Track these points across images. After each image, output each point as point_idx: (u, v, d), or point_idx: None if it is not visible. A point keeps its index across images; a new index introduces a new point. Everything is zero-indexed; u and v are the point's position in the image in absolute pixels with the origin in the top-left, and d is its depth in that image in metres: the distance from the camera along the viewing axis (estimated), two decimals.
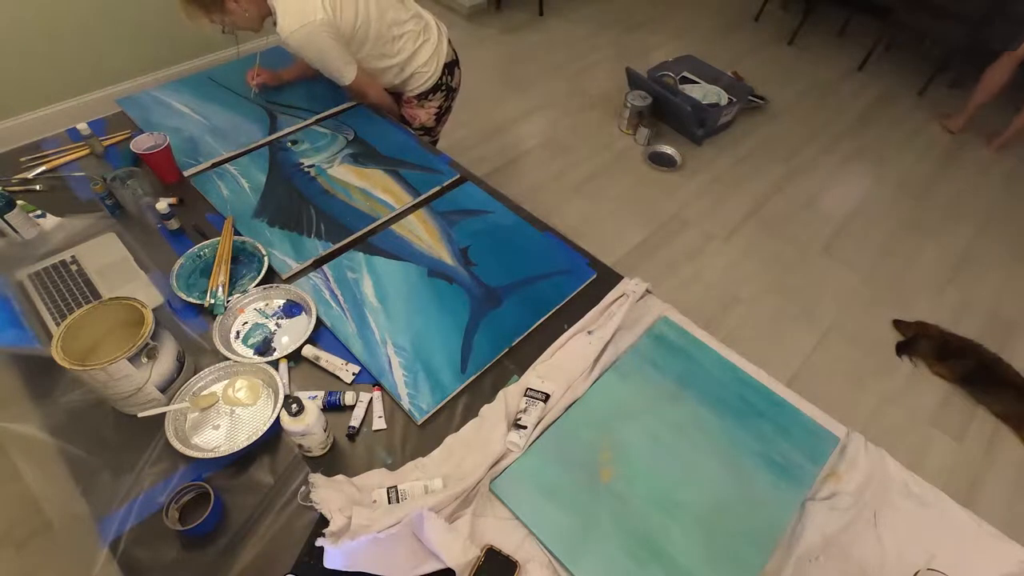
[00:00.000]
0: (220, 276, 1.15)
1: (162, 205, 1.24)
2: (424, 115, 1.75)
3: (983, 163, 2.88)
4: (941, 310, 2.19)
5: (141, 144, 1.32)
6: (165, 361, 0.94)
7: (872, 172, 2.80)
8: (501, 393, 1.01)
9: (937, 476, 1.72)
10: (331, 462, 0.93)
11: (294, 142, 1.53)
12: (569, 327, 1.12)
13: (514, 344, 1.10)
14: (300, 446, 0.91)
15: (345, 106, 1.66)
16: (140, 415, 0.92)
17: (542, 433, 0.97)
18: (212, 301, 1.11)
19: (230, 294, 1.14)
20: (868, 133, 3.02)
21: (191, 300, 1.12)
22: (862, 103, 3.22)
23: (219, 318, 1.08)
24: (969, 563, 0.84)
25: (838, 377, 1.96)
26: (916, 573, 0.81)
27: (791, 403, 1.03)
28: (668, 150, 2.82)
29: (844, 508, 0.89)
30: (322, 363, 1.04)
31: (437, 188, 1.42)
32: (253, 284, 1.15)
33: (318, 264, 1.23)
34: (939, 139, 3.01)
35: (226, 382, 1.01)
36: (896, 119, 3.12)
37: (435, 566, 0.81)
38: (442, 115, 1.81)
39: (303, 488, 0.89)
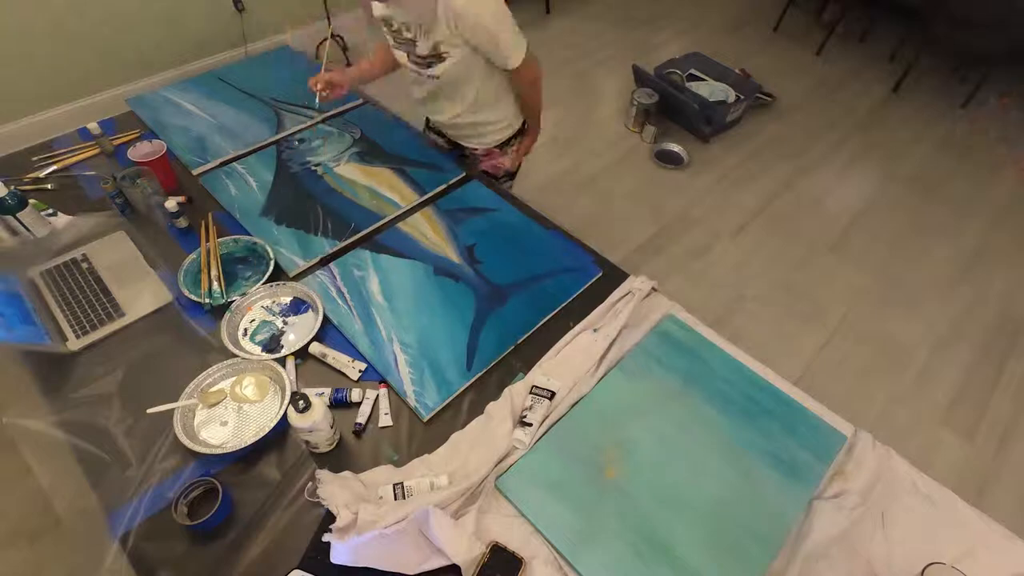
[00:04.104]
0: (212, 270, 1.17)
1: (171, 204, 1.25)
2: (509, 162, 1.58)
3: (994, 161, 2.85)
4: (951, 309, 2.17)
5: (139, 152, 1.34)
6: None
7: (881, 170, 2.78)
8: (507, 390, 1.01)
9: (947, 476, 1.70)
10: (338, 458, 0.94)
11: (301, 141, 1.54)
12: (575, 325, 1.12)
13: (520, 342, 1.10)
14: (307, 442, 0.92)
15: (351, 105, 1.67)
16: (149, 411, 0.93)
17: (548, 430, 0.97)
18: (208, 301, 1.12)
19: (237, 293, 1.15)
20: (877, 130, 2.99)
21: (195, 299, 1.13)
22: (870, 100, 3.19)
23: (227, 315, 1.09)
24: (978, 563, 0.83)
25: (846, 376, 1.95)
26: (925, 568, 0.80)
27: (798, 402, 1.02)
28: (675, 148, 2.81)
29: (851, 507, 0.88)
30: (329, 360, 1.05)
31: (443, 186, 1.43)
32: (258, 284, 1.16)
33: (325, 262, 1.24)
34: (949, 136, 2.98)
35: (234, 379, 1.02)
36: (905, 116, 3.09)
37: (441, 562, 0.81)
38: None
39: (310, 484, 0.89)
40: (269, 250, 1.22)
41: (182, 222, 1.28)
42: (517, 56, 1.26)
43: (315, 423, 0.86)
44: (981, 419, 1.86)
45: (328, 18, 3.04)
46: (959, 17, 2.90)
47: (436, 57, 1.25)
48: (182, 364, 1.03)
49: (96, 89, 2.64)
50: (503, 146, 1.54)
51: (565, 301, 1.18)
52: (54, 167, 1.43)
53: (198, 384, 0.99)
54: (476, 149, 1.54)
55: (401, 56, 1.33)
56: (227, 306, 1.11)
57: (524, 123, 1.56)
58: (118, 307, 1.12)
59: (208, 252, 1.21)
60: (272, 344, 1.08)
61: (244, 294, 1.13)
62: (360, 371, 1.04)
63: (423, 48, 1.25)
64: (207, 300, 1.12)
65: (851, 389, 1.92)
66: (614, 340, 1.09)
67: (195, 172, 1.43)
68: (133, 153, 1.34)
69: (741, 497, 0.90)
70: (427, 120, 1.65)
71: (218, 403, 0.99)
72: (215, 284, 1.14)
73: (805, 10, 3.86)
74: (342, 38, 3.10)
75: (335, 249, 1.26)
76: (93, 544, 1.37)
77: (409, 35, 1.26)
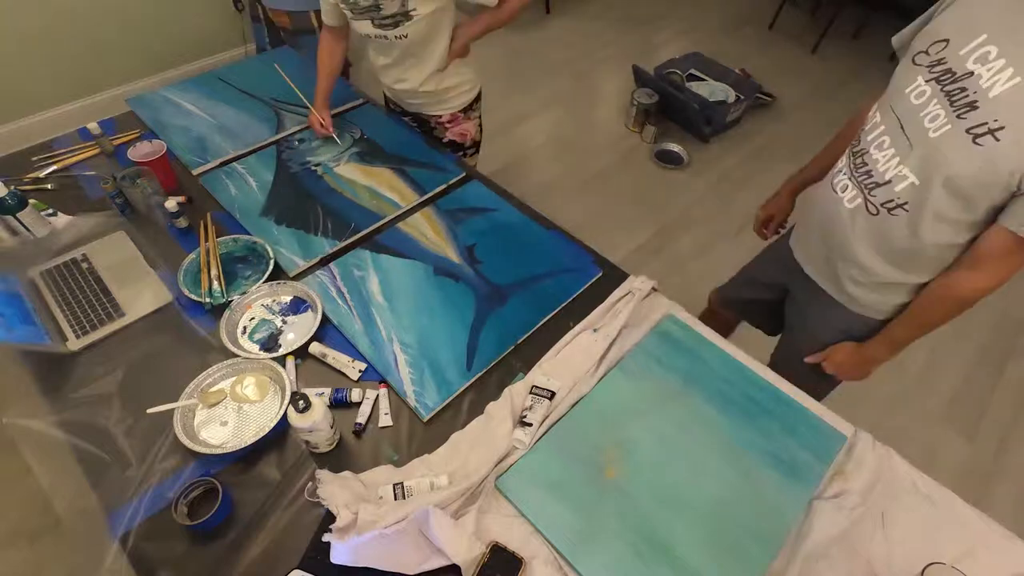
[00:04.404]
0: (212, 270, 1.17)
1: (171, 204, 1.25)
2: (473, 128, 1.62)
3: None
4: None
5: (139, 152, 1.34)
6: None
7: None
8: (507, 390, 1.01)
9: (947, 476, 1.70)
10: (338, 458, 0.94)
11: (301, 141, 1.54)
12: (575, 325, 1.12)
13: (520, 342, 1.10)
14: (307, 442, 0.92)
15: (351, 105, 1.67)
16: (149, 411, 0.93)
17: (548, 430, 0.97)
18: (209, 300, 1.12)
19: (238, 292, 1.15)
20: None
21: (196, 298, 1.13)
22: (870, 100, 3.19)
23: (227, 314, 1.09)
24: (978, 563, 0.83)
25: None
26: (925, 568, 0.80)
27: (798, 402, 1.02)
28: (675, 148, 2.81)
29: (851, 507, 0.88)
30: (329, 360, 1.05)
31: (443, 186, 1.42)
32: (258, 284, 1.16)
33: (325, 262, 1.24)
34: None
35: (234, 379, 1.02)
36: None
37: (441, 562, 0.81)
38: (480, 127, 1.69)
39: (310, 484, 0.89)
40: (269, 249, 1.22)
41: (182, 222, 1.28)
42: None
43: (315, 423, 0.86)
44: (981, 419, 1.86)
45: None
46: None
47: (404, 15, 1.26)
48: (182, 364, 1.03)
49: (96, 89, 2.64)
50: (467, 111, 1.56)
51: (565, 301, 1.18)
52: (54, 167, 1.43)
53: (198, 384, 0.99)
54: (441, 116, 1.54)
55: (363, 25, 1.32)
56: (227, 304, 1.11)
57: (481, 88, 1.59)
58: (118, 307, 1.12)
59: (207, 252, 1.21)
60: (270, 343, 1.08)
61: (244, 293, 1.14)
62: (360, 371, 1.04)
63: (389, 7, 1.25)
64: (208, 300, 1.12)
65: (851, 389, 1.92)
66: (614, 340, 1.09)
67: (195, 172, 1.43)
68: (133, 153, 1.34)
69: (741, 497, 0.90)
70: (386, 99, 1.68)
71: (218, 403, 0.99)
72: (215, 284, 1.14)
73: (803, 9, 3.86)
74: None
75: (335, 249, 1.26)
76: (93, 544, 1.36)
77: (368, 1, 1.26)
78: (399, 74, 1.47)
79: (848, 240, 1.01)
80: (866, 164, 0.94)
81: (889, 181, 0.90)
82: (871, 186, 0.94)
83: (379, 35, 1.33)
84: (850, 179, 0.99)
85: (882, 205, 0.93)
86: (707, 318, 1.53)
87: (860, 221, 0.98)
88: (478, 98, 1.60)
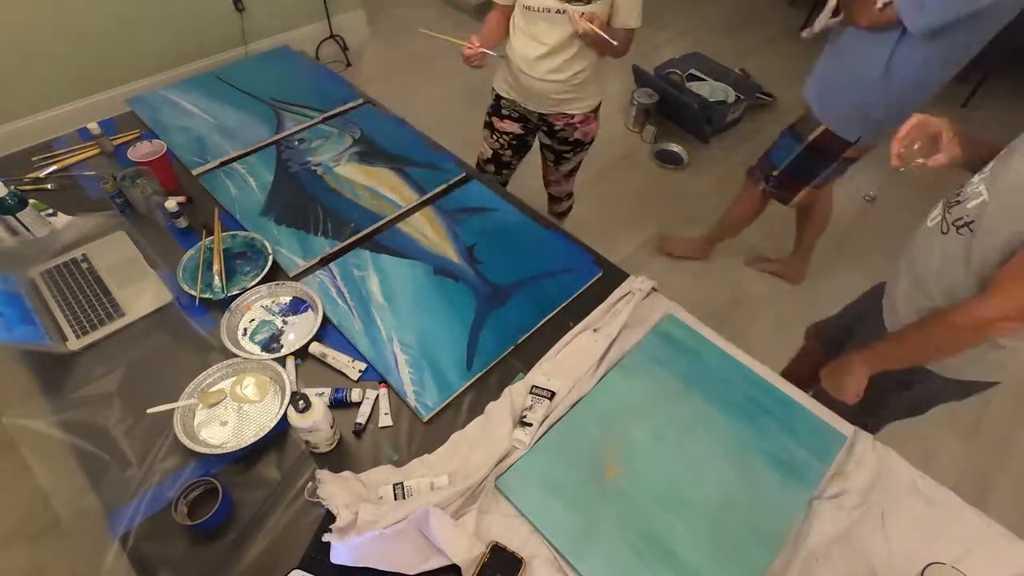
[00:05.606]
0: (215, 265, 1.17)
1: (171, 204, 1.25)
2: (595, 129, 1.66)
3: None
4: None
5: (139, 152, 1.34)
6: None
7: (882, 170, 2.77)
8: (507, 390, 1.01)
9: (947, 476, 1.70)
10: (338, 458, 0.94)
11: (301, 141, 1.54)
12: (575, 325, 1.12)
13: (520, 342, 1.10)
14: (307, 442, 0.92)
15: (351, 105, 1.67)
16: (149, 411, 0.93)
17: (548, 430, 0.97)
18: (208, 296, 1.12)
19: (236, 287, 1.15)
20: None
21: (194, 293, 1.13)
22: None
23: (227, 315, 1.09)
24: (978, 563, 0.83)
25: None
26: (925, 568, 0.80)
27: (798, 402, 1.02)
28: (675, 148, 2.81)
29: (851, 507, 0.88)
30: (329, 360, 1.05)
31: (443, 186, 1.43)
32: (257, 279, 1.16)
33: (325, 262, 1.24)
34: None
35: (234, 379, 1.02)
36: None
37: (441, 562, 0.81)
38: None
39: (310, 484, 0.89)
40: (268, 245, 1.22)
41: (182, 222, 1.28)
42: (638, 18, 1.45)
43: (315, 423, 0.86)
44: (981, 419, 1.86)
45: (328, 18, 3.04)
46: None
47: None
48: (182, 364, 1.03)
49: (96, 89, 2.64)
50: (596, 111, 1.61)
51: (565, 301, 1.18)
52: (54, 167, 1.43)
53: (198, 384, 0.99)
54: (573, 117, 1.58)
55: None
56: (227, 305, 1.11)
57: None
58: (118, 307, 1.12)
59: (213, 247, 1.21)
60: (272, 344, 1.08)
61: (245, 289, 1.14)
62: (360, 371, 1.04)
63: None
64: (206, 295, 1.12)
65: None
66: (614, 340, 1.09)
67: (195, 172, 1.43)
68: (133, 153, 1.34)
69: (741, 497, 0.90)
70: (497, 102, 1.66)
71: (218, 403, 0.99)
72: (216, 279, 1.14)
73: (802, 9, 3.86)
74: (342, 38, 3.09)
75: (335, 249, 1.26)
76: (93, 544, 1.36)
77: None
78: (555, 64, 1.45)
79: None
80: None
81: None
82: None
83: (558, 9, 1.34)
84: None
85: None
86: (802, 358, 1.55)
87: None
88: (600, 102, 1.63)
